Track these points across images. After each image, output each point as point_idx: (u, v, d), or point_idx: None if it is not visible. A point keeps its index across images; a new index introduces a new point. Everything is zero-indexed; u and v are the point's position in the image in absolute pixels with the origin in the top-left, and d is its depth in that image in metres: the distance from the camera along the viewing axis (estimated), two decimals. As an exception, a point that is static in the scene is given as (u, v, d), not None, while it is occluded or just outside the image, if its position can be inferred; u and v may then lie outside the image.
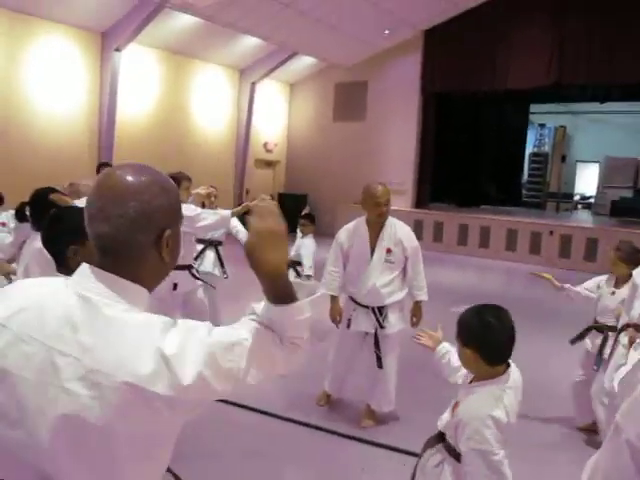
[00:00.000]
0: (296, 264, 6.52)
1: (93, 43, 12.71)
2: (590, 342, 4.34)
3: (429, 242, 14.95)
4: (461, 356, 2.27)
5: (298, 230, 6.66)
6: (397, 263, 4.34)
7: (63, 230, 2.23)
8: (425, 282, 4.45)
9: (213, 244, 6.17)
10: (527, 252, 13.70)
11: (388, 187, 4.44)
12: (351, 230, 4.49)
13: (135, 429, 1.10)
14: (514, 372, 2.29)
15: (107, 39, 12.74)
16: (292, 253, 6.63)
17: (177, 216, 1.29)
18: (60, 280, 1.24)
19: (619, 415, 1.14)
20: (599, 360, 4.05)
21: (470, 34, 14.55)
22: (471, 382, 2.28)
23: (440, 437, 2.34)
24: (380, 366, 4.37)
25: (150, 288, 1.26)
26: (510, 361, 2.29)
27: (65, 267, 2.17)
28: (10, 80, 11.42)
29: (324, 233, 16.40)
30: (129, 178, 1.21)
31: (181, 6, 12.01)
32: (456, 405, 2.27)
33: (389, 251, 4.31)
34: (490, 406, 2.14)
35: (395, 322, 4.39)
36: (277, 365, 1.32)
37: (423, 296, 4.44)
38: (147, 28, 12.39)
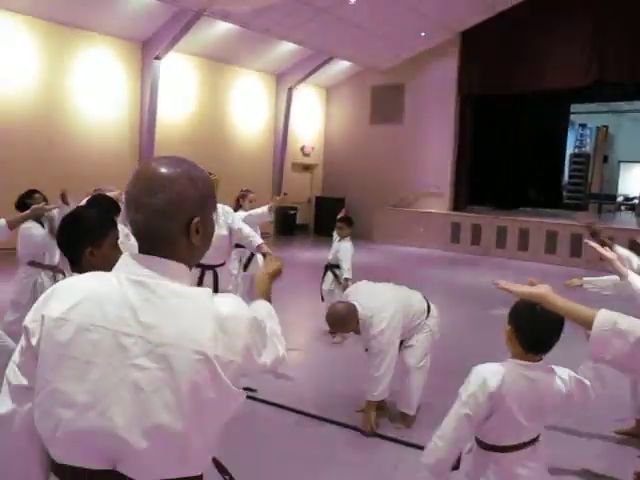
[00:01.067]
0: (334, 267, 6.56)
1: (134, 52, 13.04)
2: None
3: (467, 245, 14.83)
4: (505, 331, 2.40)
5: (334, 233, 6.71)
6: None
7: (79, 231, 2.26)
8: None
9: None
10: (567, 254, 13.45)
11: (340, 315, 4.24)
12: None
13: (201, 397, 1.20)
14: (548, 371, 2.33)
15: (147, 48, 13.05)
16: (330, 257, 6.68)
17: (207, 204, 1.37)
18: (106, 273, 1.33)
19: None
20: None
21: (507, 35, 14.41)
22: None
23: None
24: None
25: (189, 267, 1.36)
26: (553, 366, 2.37)
27: (79, 267, 2.19)
28: (57, 89, 11.84)
29: (361, 236, 16.43)
30: (162, 170, 1.31)
31: (218, 14, 12.23)
32: None
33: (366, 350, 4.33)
34: (491, 370, 2.31)
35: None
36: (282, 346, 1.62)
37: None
38: (185, 36, 12.66)
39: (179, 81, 13.97)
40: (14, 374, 1.30)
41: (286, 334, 5.96)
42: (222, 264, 5.18)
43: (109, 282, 1.28)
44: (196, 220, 1.32)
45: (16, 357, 1.30)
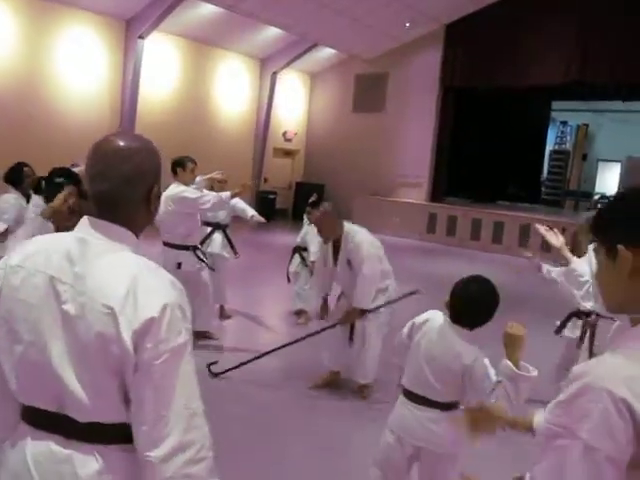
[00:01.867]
0: (302, 250, 6.71)
1: (117, 30, 12.99)
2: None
3: (442, 236, 15.05)
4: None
5: (305, 217, 6.85)
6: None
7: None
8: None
9: (220, 227, 6.39)
10: (539, 248, 13.71)
11: (320, 211, 4.89)
12: None
13: (107, 349, 1.30)
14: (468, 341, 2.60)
15: (131, 27, 13.01)
16: (298, 239, 6.83)
17: (159, 176, 1.53)
18: (66, 233, 1.48)
19: (585, 433, 1.09)
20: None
21: (491, 29, 14.56)
22: None
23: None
24: (351, 339, 4.74)
25: (138, 234, 1.49)
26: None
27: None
28: (39, 64, 11.79)
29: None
30: (124, 143, 1.45)
31: (204, -5, 12.23)
32: None
33: (349, 263, 4.69)
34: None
35: None
36: None
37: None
38: (170, 16, 12.63)
39: (162, 61, 13.94)
40: None
41: (255, 314, 6.13)
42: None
43: (62, 238, 1.44)
44: (156, 189, 1.49)
45: None
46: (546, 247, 14.26)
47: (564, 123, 24.04)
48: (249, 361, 4.75)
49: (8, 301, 1.40)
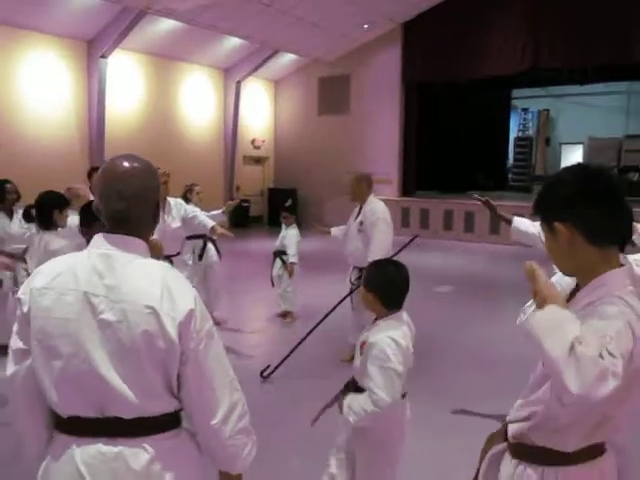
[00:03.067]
0: (282, 253, 6.93)
1: (79, 51, 13.04)
2: None
3: (416, 229, 15.34)
4: (363, 299, 2.71)
5: (282, 221, 7.07)
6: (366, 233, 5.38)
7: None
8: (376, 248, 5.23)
9: (209, 237, 6.57)
10: (509, 235, 14.09)
11: (355, 175, 5.76)
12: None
13: (153, 344, 1.48)
14: (405, 314, 2.73)
15: (93, 47, 13.07)
16: (277, 244, 7.04)
17: (160, 191, 1.73)
18: (80, 252, 1.65)
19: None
20: None
21: (447, 24, 14.92)
22: (374, 321, 2.71)
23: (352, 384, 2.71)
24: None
25: (147, 242, 1.68)
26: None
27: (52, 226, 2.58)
28: (2, 91, 11.76)
29: (314, 225, 16.68)
30: (132, 165, 1.62)
31: (163, 11, 12.36)
32: (363, 344, 2.65)
33: (361, 224, 5.44)
34: (390, 331, 2.56)
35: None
36: None
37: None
38: (131, 34, 12.73)
39: (127, 78, 14.02)
40: (13, 340, 1.60)
41: (242, 318, 6.37)
42: (177, 254, 5.50)
43: (81, 256, 1.61)
44: (159, 204, 1.70)
45: (15, 326, 1.60)
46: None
47: (525, 110, 24.56)
48: (289, 354, 5.10)
49: (40, 321, 1.53)
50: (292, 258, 6.70)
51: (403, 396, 2.60)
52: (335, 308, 5.11)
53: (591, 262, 1.51)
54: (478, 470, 1.73)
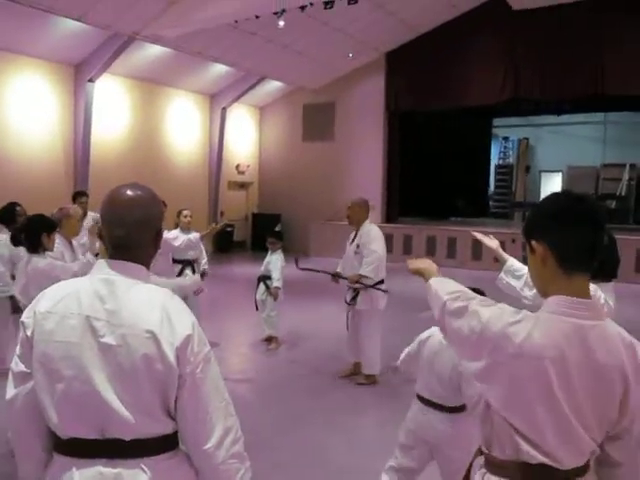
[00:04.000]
0: (266, 278, 6.99)
1: (66, 75, 13.13)
2: None
3: (398, 255, 15.45)
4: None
5: (268, 246, 7.14)
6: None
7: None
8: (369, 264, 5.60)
9: (190, 263, 6.66)
10: (492, 260, 14.26)
11: (356, 201, 5.94)
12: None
13: (152, 367, 1.52)
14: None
15: (80, 71, 13.17)
16: (262, 269, 7.10)
17: (162, 219, 1.79)
18: (82, 278, 1.70)
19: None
20: None
21: (430, 54, 15.26)
22: None
23: None
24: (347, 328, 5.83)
25: (148, 268, 1.73)
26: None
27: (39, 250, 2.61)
28: (-14, 114, 11.79)
29: (298, 250, 16.76)
30: (135, 193, 1.68)
31: (151, 38, 12.52)
32: None
33: (357, 247, 5.72)
34: None
35: (362, 302, 5.67)
36: None
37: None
38: (119, 59, 12.86)
39: (113, 103, 14.11)
40: (15, 363, 1.64)
41: (227, 343, 6.44)
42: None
43: (85, 281, 1.66)
44: (161, 231, 1.75)
45: (17, 349, 1.64)
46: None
47: (506, 138, 25.04)
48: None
49: (43, 345, 1.56)
50: (276, 282, 6.76)
51: None
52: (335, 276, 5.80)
53: (555, 285, 1.58)
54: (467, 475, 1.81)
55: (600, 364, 1.50)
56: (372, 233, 5.71)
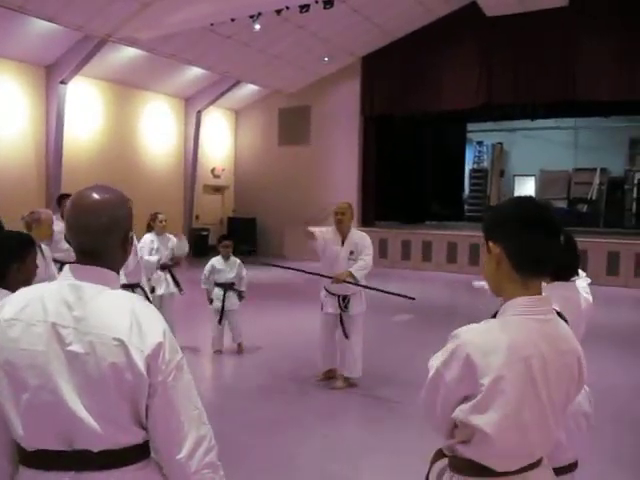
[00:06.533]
0: (233, 285, 6.98)
1: (37, 77, 12.95)
2: None
3: (375, 258, 15.47)
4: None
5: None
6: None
7: (4, 252, 2.55)
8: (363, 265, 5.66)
9: (165, 267, 6.60)
10: (467, 263, 14.41)
11: (349, 204, 5.99)
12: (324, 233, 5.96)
13: (120, 377, 1.47)
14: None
15: (52, 73, 12.99)
16: (228, 275, 7.04)
17: (132, 221, 1.71)
18: (48, 283, 1.64)
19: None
20: None
21: (405, 60, 15.39)
22: None
23: None
24: (347, 337, 5.76)
25: (117, 273, 1.67)
26: None
27: (6, 283, 2.46)
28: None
29: (273, 254, 16.75)
30: (100, 196, 1.60)
31: (125, 40, 12.39)
32: None
33: (351, 252, 5.67)
34: None
35: (355, 306, 5.76)
36: None
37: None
38: (92, 61, 12.72)
39: (86, 105, 13.94)
40: None
41: (204, 348, 6.35)
42: (137, 285, 5.57)
43: (51, 287, 1.59)
44: (130, 234, 1.67)
45: None
46: (473, 262, 14.94)
47: (480, 143, 25.25)
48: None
49: (7, 353, 1.50)
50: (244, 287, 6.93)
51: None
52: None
53: (511, 287, 1.62)
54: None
55: (563, 351, 1.60)
56: (367, 239, 5.81)
